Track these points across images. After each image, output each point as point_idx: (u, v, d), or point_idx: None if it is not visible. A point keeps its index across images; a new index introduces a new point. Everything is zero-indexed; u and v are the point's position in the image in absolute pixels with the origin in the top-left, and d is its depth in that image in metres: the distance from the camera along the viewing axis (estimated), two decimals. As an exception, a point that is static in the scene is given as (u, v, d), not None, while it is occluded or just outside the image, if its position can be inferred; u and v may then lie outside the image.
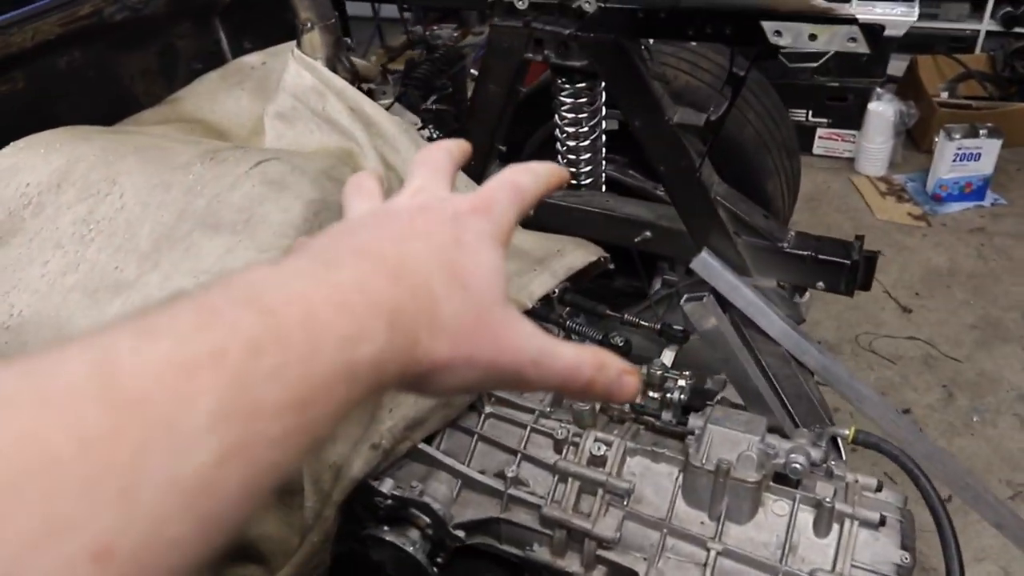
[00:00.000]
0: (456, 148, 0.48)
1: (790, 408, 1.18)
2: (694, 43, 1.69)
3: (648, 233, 1.30)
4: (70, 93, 1.25)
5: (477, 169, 1.35)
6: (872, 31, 0.99)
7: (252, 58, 1.40)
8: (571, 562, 0.95)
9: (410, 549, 0.92)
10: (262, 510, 0.89)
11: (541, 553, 0.96)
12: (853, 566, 0.86)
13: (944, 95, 3.49)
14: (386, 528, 0.94)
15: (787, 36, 1.02)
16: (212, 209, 0.88)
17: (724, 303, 1.25)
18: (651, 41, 1.59)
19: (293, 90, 1.22)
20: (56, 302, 0.86)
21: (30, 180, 0.99)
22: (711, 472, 0.92)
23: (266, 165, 0.94)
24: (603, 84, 1.28)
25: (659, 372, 1.04)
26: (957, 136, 3.08)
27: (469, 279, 0.37)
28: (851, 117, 3.32)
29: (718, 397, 1.12)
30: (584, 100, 1.28)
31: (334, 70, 1.24)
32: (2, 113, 1.17)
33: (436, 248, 0.37)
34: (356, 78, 1.31)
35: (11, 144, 1.05)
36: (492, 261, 0.39)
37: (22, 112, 1.18)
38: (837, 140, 3.42)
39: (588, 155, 1.33)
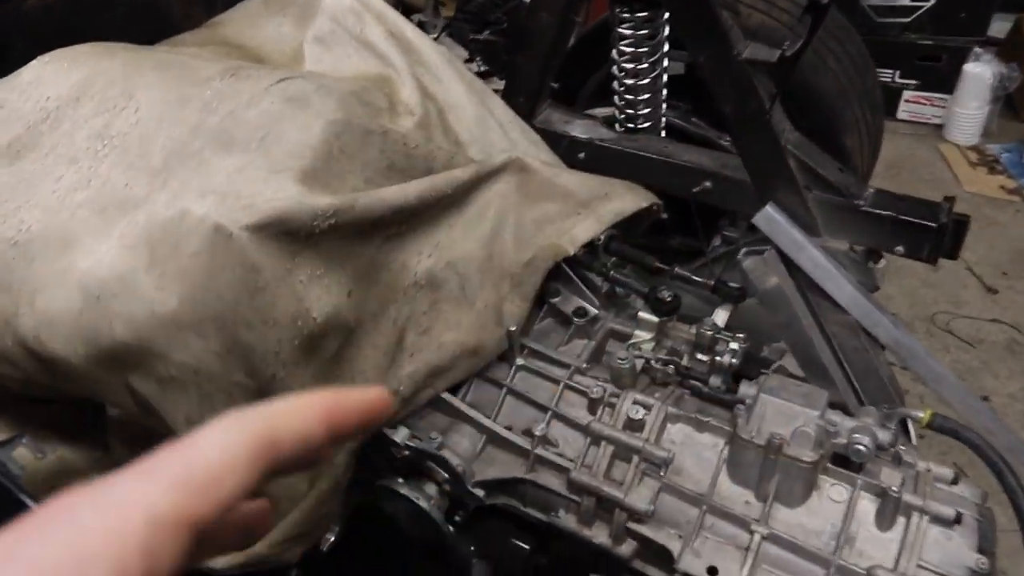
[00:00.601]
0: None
1: (855, 384, 1.06)
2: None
3: (708, 183, 1.18)
4: (105, 12, 1.21)
5: (526, 108, 1.25)
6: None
7: (297, -17, 1.32)
8: (598, 532, 0.87)
9: (424, 505, 0.86)
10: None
11: (567, 520, 0.88)
12: (919, 566, 0.76)
13: (1052, 59, 3.18)
14: (401, 480, 0.87)
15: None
16: (226, 126, 0.82)
17: (789, 265, 1.13)
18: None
19: (331, 12, 1.14)
20: (64, 218, 0.82)
21: (50, 94, 0.95)
22: (761, 447, 0.82)
23: (289, 82, 0.87)
24: (666, 15, 1.15)
25: (710, 332, 0.94)
26: (1064, 104, 2.81)
27: None
28: (943, 79, 3.06)
29: (775, 366, 1.02)
30: (645, 33, 1.16)
31: (375, -7, 1.16)
32: (34, 29, 1.13)
33: None
34: (400, 3, 1.22)
35: (37, 58, 1.00)
36: None
37: (55, 30, 1.14)
38: (925, 104, 3.17)
39: (647, 95, 1.22)
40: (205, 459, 0.26)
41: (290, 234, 0.76)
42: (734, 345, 0.91)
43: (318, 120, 0.83)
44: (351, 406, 0.30)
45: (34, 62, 1.00)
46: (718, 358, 0.92)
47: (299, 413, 0.28)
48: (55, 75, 0.97)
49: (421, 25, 1.38)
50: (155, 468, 0.25)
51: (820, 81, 1.44)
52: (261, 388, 0.79)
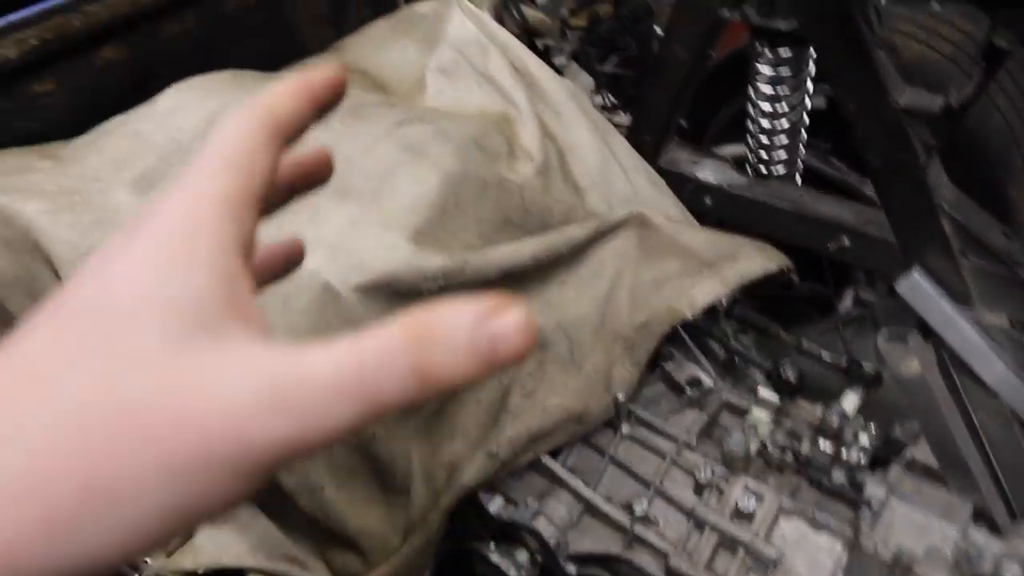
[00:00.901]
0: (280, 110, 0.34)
1: (1005, 486, 0.94)
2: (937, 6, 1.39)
3: (846, 240, 1.08)
4: (239, 36, 1.23)
5: (652, 145, 1.19)
6: None
7: (424, 6, 1.31)
8: (695, 627, 0.81)
9: (514, 575, 0.83)
10: (365, 504, 0.83)
11: (661, 607, 0.83)
12: None
13: None
14: (493, 546, 0.85)
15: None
16: (342, 173, 0.81)
17: (932, 338, 1.02)
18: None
19: (456, 42, 1.12)
20: (187, 257, 0.84)
21: (183, 124, 0.97)
22: (886, 563, 0.74)
23: (407, 127, 0.85)
24: (813, 53, 1.06)
25: (837, 419, 0.85)
26: None
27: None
28: None
29: (907, 455, 0.92)
30: (788, 73, 1.07)
31: (501, 22, 1.13)
32: (171, 53, 1.17)
33: None
34: (526, 31, 1.18)
35: (174, 86, 1.03)
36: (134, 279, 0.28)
37: (191, 54, 1.17)
38: (1103, 129, 2.83)
39: (785, 140, 1.13)
40: (239, 146, 0.31)
41: (398, 294, 0.75)
42: (864, 440, 0.82)
43: (435, 172, 0.81)
44: (320, 83, 0.35)
45: (170, 90, 1.03)
46: (844, 451, 0.83)
47: (286, 95, 0.33)
48: (188, 105, 0.99)
49: (547, 50, 1.34)
50: (207, 164, 0.31)
51: (985, 123, 1.29)
52: (360, 445, 0.78)
